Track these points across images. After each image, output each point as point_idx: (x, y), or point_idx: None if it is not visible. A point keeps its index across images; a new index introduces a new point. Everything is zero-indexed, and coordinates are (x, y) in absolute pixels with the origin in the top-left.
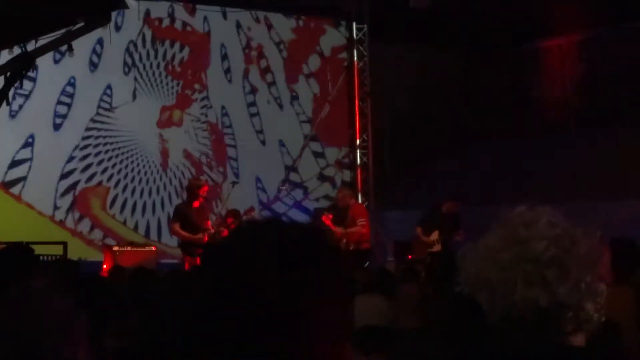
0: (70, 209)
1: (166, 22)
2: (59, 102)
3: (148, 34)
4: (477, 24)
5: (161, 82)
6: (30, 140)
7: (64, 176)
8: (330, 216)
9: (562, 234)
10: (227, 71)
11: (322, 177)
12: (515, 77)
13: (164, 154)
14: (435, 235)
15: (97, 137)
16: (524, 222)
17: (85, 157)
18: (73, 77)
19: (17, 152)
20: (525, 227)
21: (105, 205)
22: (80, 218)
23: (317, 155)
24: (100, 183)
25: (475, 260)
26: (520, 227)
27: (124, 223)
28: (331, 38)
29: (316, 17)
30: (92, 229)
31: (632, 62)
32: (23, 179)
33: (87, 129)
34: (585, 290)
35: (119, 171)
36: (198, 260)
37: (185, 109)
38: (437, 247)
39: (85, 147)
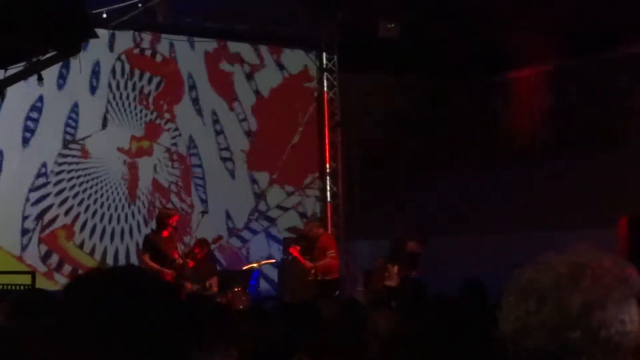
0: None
1: (135, 50)
2: (28, 118)
3: (117, 62)
4: (446, 54)
5: (131, 111)
6: None
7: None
8: (299, 248)
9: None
10: (196, 102)
11: (290, 207)
12: (484, 108)
13: (132, 183)
14: (395, 269)
15: (61, 164)
16: (568, 272)
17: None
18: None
19: None
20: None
21: (72, 236)
22: (48, 253)
23: (286, 184)
24: (68, 212)
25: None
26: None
27: (91, 254)
28: (299, 67)
29: (285, 47)
30: (60, 263)
31: (599, 93)
32: None
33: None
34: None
35: (87, 199)
36: None
37: (155, 139)
38: (394, 282)
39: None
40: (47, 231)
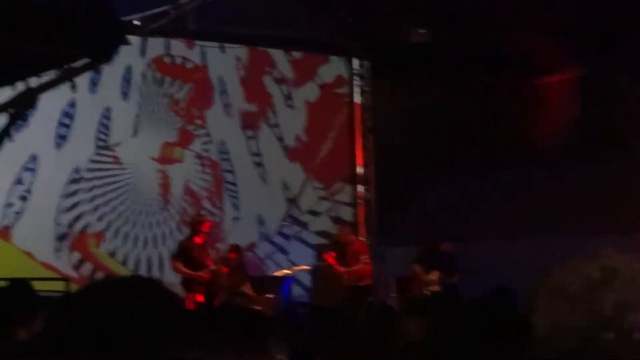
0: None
1: (166, 58)
2: (60, 124)
3: (149, 70)
4: (476, 59)
5: (162, 117)
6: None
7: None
8: (334, 254)
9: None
10: (227, 107)
11: (323, 212)
12: (515, 112)
13: (164, 189)
14: (434, 275)
15: (93, 170)
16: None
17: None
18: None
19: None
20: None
21: (104, 243)
22: (81, 261)
23: (318, 190)
24: (101, 218)
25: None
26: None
27: (124, 262)
28: (331, 74)
29: (317, 53)
30: (93, 271)
31: (625, 98)
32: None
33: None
34: None
35: (120, 205)
36: (199, 297)
37: (186, 146)
38: (436, 287)
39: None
40: (79, 238)
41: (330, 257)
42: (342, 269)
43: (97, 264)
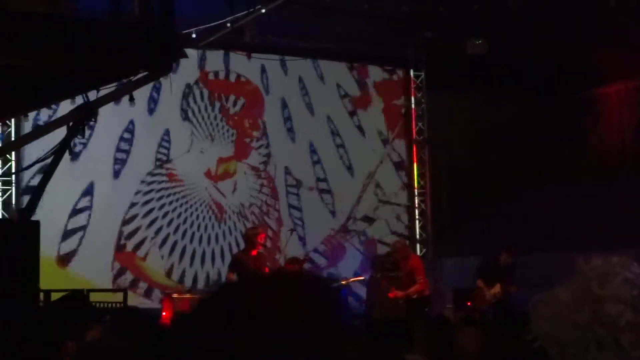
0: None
1: (222, 75)
2: (118, 150)
3: (204, 87)
4: (534, 70)
5: (219, 131)
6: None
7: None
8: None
9: (639, 294)
10: (287, 119)
11: (378, 222)
12: (573, 124)
13: (220, 204)
14: (497, 289)
15: (150, 184)
16: (598, 278)
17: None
18: (132, 122)
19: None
20: (599, 285)
21: (159, 261)
22: (135, 281)
23: (374, 197)
24: (158, 232)
25: (547, 315)
26: (594, 284)
27: (181, 280)
28: (389, 85)
29: (374, 64)
30: (148, 290)
31: None
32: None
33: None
34: None
35: (177, 219)
36: None
37: (242, 159)
38: (499, 299)
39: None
40: (133, 257)
41: (393, 293)
42: (399, 293)
43: (151, 283)
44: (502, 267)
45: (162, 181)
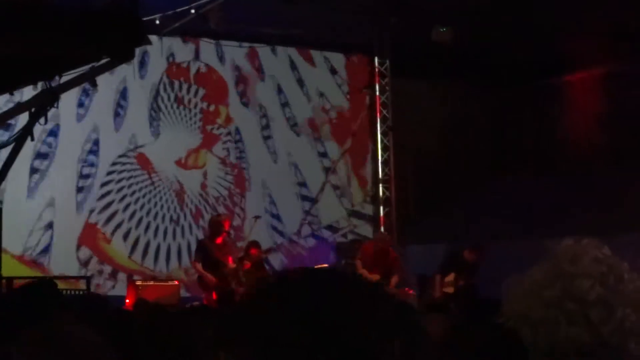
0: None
1: (185, 64)
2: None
3: (169, 69)
4: (500, 58)
5: (182, 119)
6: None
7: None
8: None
9: (608, 271)
10: (246, 107)
11: (342, 209)
12: (539, 112)
13: (182, 190)
14: (451, 277)
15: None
16: (569, 257)
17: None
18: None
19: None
20: (570, 263)
21: (110, 240)
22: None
23: (336, 188)
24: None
25: (519, 294)
26: (565, 262)
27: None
28: (352, 73)
29: (337, 52)
30: (113, 272)
31: None
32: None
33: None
34: (629, 329)
35: (138, 208)
36: (214, 296)
37: (206, 148)
38: (450, 289)
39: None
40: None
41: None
42: (375, 277)
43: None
44: (464, 262)
45: (128, 163)
